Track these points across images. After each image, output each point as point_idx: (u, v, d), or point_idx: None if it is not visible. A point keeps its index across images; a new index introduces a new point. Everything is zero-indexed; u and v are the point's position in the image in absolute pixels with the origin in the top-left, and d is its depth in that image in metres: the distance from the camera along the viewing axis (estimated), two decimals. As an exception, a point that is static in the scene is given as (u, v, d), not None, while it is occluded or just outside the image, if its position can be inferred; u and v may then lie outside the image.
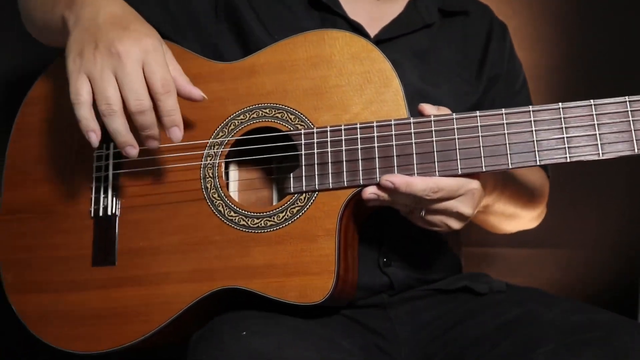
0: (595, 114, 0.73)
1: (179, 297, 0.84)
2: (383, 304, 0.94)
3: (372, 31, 0.97)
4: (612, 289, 1.41)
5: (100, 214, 0.89)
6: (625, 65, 1.43)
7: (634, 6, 1.42)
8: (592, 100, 0.74)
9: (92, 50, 0.76)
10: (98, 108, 0.76)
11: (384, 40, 0.96)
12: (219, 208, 0.85)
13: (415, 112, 0.91)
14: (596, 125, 0.73)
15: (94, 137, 0.77)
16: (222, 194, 0.85)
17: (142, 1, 0.91)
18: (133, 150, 0.78)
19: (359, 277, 0.87)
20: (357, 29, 0.96)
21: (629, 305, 1.39)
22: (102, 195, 0.89)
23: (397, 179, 0.77)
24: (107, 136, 0.90)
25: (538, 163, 0.74)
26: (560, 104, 0.75)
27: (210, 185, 0.86)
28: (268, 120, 0.86)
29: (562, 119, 0.74)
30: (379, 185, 0.79)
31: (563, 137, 0.74)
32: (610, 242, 1.29)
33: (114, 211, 0.89)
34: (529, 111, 0.76)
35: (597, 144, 0.73)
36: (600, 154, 0.73)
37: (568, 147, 0.74)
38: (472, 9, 1.04)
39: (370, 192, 0.79)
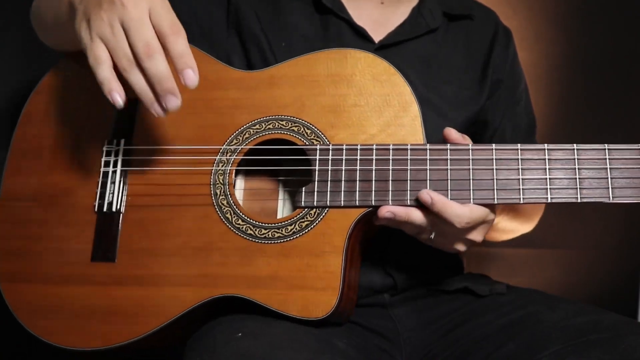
0: (609, 158, 0.75)
1: (178, 301, 0.83)
2: (384, 304, 0.94)
3: (376, 36, 0.97)
4: (612, 289, 1.41)
5: (105, 209, 0.88)
6: (625, 65, 1.42)
7: (634, 6, 1.41)
8: (606, 145, 0.76)
9: (98, 11, 0.72)
10: (119, 67, 0.72)
11: (388, 46, 0.96)
12: (226, 215, 0.85)
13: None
14: (608, 170, 0.75)
15: (118, 98, 0.72)
16: (232, 201, 0.85)
17: None
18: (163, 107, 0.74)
19: (361, 277, 0.87)
20: (361, 33, 0.96)
21: (629, 305, 1.39)
22: (107, 191, 0.88)
23: (436, 196, 0.76)
24: (118, 131, 0.91)
25: (550, 201, 0.76)
26: (575, 145, 0.76)
27: (220, 192, 0.86)
28: (283, 133, 0.86)
29: (576, 160, 0.76)
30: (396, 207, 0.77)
31: (575, 178, 0.76)
32: (610, 242, 1.28)
33: (118, 208, 0.87)
34: (544, 149, 0.77)
35: (608, 188, 0.75)
36: (611, 198, 0.74)
37: (580, 189, 0.75)
38: (476, 13, 1.03)
39: (387, 210, 0.78)
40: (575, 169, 0.76)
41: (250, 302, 0.81)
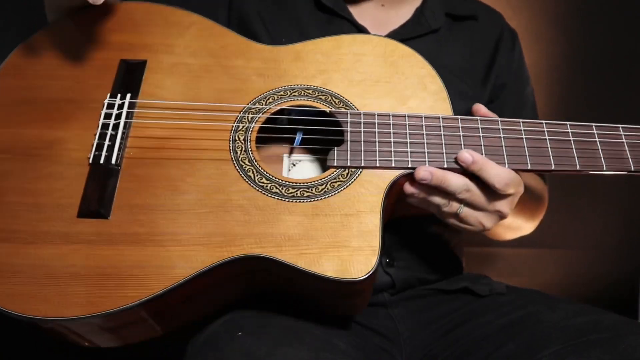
0: (624, 134, 0.81)
1: (188, 262, 0.71)
2: (384, 303, 0.90)
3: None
4: (612, 289, 1.40)
5: (101, 161, 0.76)
6: (625, 65, 1.44)
7: (634, 6, 1.42)
8: (620, 125, 0.82)
9: None
10: None
11: None
12: (248, 173, 0.77)
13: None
14: (625, 144, 0.81)
15: None
16: (253, 159, 0.78)
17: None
18: None
19: None
20: (363, 32, 0.97)
21: (629, 305, 1.39)
22: (107, 142, 0.77)
23: (476, 154, 0.75)
24: (123, 86, 0.82)
25: (578, 168, 0.79)
26: (593, 124, 0.82)
27: (240, 150, 0.79)
28: (310, 100, 0.83)
29: (596, 134, 0.81)
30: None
31: (598, 149, 0.80)
32: (610, 243, 1.26)
33: (118, 161, 0.76)
34: (567, 124, 0.82)
35: (628, 158, 0.80)
36: (632, 167, 0.79)
37: (604, 158, 0.80)
38: (481, 15, 1.03)
39: (425, 169, 0.76)
40: (596, 141, 0.81)
41: (277, 262, 0.71)
